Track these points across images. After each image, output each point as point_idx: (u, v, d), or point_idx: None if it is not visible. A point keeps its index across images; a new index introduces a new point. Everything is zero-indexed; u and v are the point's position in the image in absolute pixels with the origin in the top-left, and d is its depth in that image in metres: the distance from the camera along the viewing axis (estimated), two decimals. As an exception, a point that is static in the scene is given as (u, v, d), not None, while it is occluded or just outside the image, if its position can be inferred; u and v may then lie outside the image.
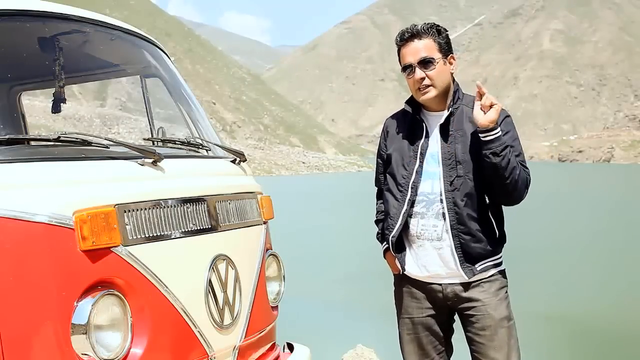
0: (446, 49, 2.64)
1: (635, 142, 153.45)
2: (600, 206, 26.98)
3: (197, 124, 3.02)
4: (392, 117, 2.87)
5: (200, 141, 2.86)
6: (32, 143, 2.26)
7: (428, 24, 2.66)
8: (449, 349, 2.81)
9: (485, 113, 2.49)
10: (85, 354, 1.91)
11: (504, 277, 2.71)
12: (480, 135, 2.51)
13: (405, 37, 2.64)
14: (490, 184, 2.59)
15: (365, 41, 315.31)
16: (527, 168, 2.62)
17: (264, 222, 2.85)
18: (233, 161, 2.88)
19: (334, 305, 9.39)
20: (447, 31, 2.69)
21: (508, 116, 2.64)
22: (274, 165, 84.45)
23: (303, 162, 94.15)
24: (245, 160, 2.96)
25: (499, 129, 2.50)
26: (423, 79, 2.60)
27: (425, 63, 2.59)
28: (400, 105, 2.82)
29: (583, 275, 12.05)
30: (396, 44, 2.69)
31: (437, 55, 2.60)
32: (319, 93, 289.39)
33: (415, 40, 2.62)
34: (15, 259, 1.85)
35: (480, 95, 2.52)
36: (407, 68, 2.63)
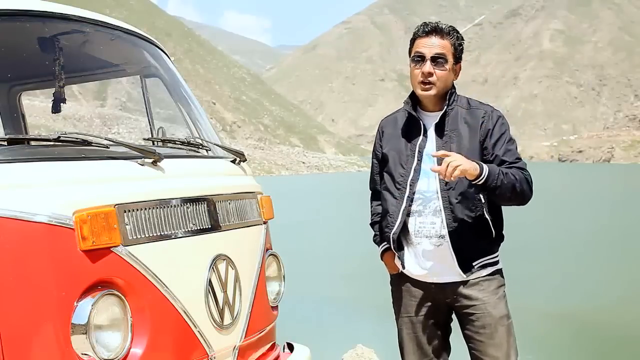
0: (458, 56, 2.67)
1: (635, 142, 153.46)
2: (600, 205, 26.98)
3: (197, 124, 3.02)
4: (387, 117, 2.89)
5: (200, 141, 2.85)
6: (32, 143, 2.26)
7: (451, 26, 2.68)
8: (447, 348, 2.82)
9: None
10: (85, 354, 1.91)
11: (502, 276, 2.73)
12: (474, 182, 2.52)
13: (427, 30, 2.65)
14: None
15: (365, 41, 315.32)
16: (524, 168, 2.61)
17: (264, 222, 2.85)
18: (233, 161, 2.88)
19: (334, 305, 9.39)
20: (463, 40, 2.71)
21: (501, 116, 2.66)
22: (274, 165, 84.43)
23: (303, 162, 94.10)
24: (245, 160, 2.96)
25: (484, 170, 2.47)
26: (430, 74, 2.61)
27: (437, 60, 2.61)
28: (399, 105, 2.84)
29: (583, 273, 12.05)
30: (414, 34, 2.69)
31: (450, 59, 2.63)
32: (319, 93, 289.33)
33: (436, 37, 2.63)
34: (15, 259, 1.85)
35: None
36: (418, 57, 2.63)
